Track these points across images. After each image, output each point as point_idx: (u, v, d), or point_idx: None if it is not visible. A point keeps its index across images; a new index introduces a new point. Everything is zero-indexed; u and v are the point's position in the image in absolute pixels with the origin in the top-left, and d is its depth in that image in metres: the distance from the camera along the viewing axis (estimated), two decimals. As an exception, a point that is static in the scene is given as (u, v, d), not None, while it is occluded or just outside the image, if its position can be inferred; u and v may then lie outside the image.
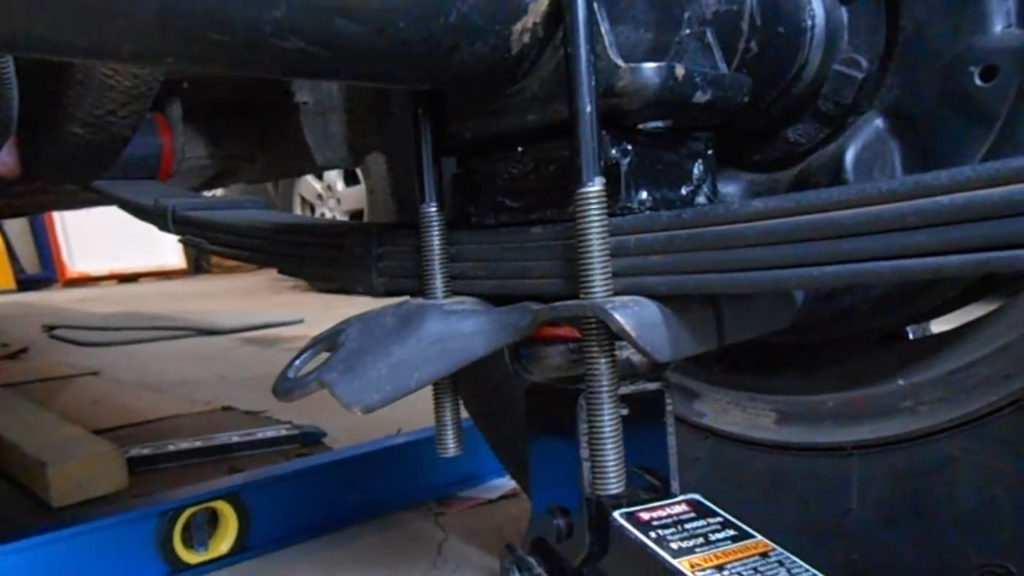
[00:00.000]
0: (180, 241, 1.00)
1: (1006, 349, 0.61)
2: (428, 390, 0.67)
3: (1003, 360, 0.61)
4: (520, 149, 0.60)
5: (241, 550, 1.06)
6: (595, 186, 0.51)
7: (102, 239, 6.22)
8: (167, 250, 6.68)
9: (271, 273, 6.86)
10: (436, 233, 0.63)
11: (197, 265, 7.12)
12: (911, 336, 0.80)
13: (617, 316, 0.48)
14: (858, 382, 0.69)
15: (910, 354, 0.69)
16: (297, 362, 0.63)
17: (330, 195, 4.47)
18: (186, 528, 1.03)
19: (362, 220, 4.11)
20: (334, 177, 4.40)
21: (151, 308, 4.26)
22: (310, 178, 4.48)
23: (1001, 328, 0.63)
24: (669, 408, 0.63)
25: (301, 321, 3.44)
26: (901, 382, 0.66)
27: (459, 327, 0.58)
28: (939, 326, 0.75)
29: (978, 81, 0.58)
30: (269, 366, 2.26)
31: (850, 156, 0.64)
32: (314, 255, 0.80)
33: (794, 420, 0.72)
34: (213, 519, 1.06)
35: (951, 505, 0.61)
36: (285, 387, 0.60)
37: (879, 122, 0.64)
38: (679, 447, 0.64)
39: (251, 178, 1.60)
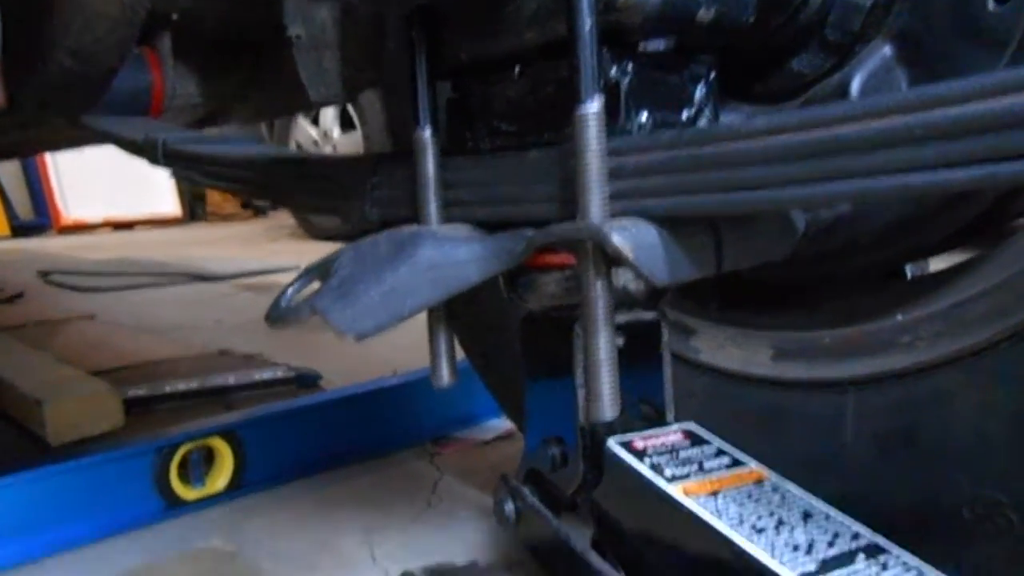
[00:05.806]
0: (172, 175, 0.98)
1: (1005, 284, 0.61)
2: (423, 333, 0.66)
3: (1002, 295, 0.60)
4: (517, 70, 0.59)
5: (237, 487, 1.07)
6: (594, 106, 0.49)
7: (97, 186, 6.17)
8: (163, 198, 6.63)
9: (268, 221, 6.81)
10: (430, 158, 0.62)
11: (193, 213, 7.07)
12: (910, 274, 0.80)
13: (614, 237, 0.47)
14: (856, 318, 0.69)
15: (909, 290, 0.68)
16: (290, 291, 0.62)
17: (326, 141, 4.42)
18: (183, 465, 1.03)
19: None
20: (330, 123, 4.34)
21: (147, 255, 4.24)
22: (306, 124, 4.43)
23: (1000, 264, 0.63)
24: (665, 339, 0.62)
25: (298, 268, 3.43)
26: (899, 317, 0.66)
27: (453, 254, 0.57)
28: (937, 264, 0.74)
29: (991, 4, 0.56)
30: (265, 311, 2.25)
31: (856, 85, 0.63)
32: (308, 186, 0.78)
33: (791, 356, 0.72)
34: (210, 456, 1.06)
35: (946, 438, 0.61)
36: (277, 314, 0.59)
37: (887, 50, 0.62)
38: (675, 384, 0.64)
39: (244, 118, 1.57)
